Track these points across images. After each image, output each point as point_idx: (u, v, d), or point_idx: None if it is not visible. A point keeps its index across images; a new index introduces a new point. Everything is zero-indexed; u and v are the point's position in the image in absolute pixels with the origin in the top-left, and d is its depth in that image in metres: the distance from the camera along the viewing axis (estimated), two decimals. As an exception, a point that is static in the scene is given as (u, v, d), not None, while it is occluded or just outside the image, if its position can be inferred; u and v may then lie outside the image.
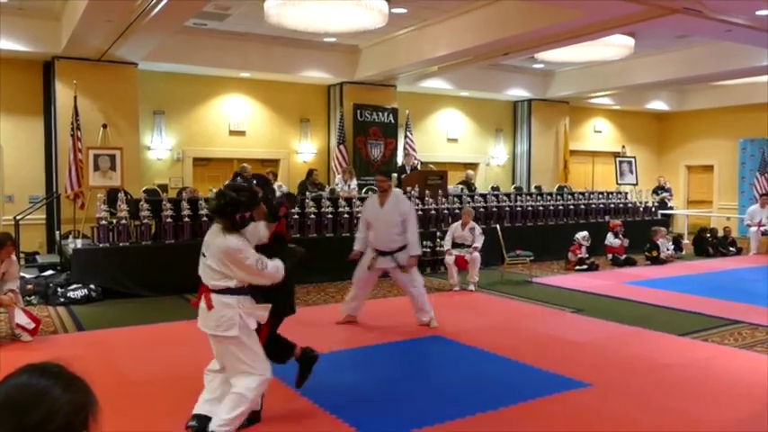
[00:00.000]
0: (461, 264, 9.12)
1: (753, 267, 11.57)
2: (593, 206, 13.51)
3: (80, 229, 10.39)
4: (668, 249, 12.34)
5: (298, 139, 13.87)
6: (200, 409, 3.87)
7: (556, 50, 11.15)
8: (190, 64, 11.85)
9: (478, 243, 9.18)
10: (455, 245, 9.27)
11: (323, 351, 5.86)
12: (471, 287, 9.03)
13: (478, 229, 9.36)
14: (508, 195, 12.60)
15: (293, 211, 9.77)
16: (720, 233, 14.00)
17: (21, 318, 6.17)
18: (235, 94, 13.18)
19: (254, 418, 4.02)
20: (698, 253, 13.27)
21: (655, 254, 11.96)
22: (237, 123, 13.21)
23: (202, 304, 3.79)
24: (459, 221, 9.46)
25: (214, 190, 10.55)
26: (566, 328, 6.89)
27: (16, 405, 1.22)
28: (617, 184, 16.70)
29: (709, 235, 13.66)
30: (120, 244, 8.68)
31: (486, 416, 4.31)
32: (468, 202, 11.72)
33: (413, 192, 11.14)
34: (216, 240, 3.78)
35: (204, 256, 3.81)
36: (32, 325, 6.20)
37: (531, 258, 10.46)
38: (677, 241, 13.18)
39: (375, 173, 12.30)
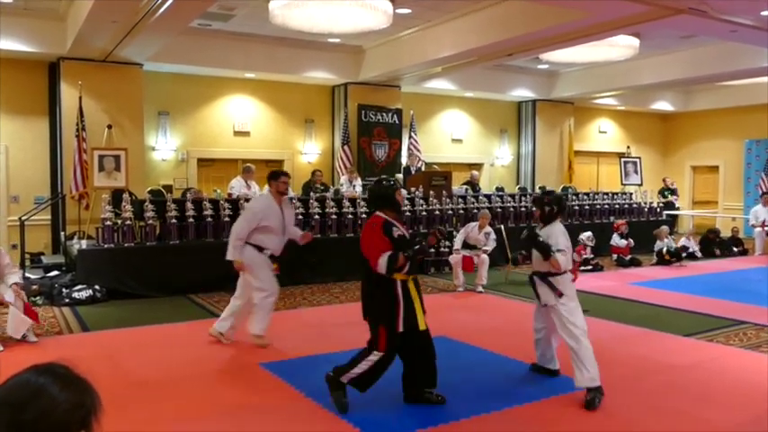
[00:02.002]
0: (468, 266, 9.10)
1: (758, 268, 11.53)
2: (598, 207, 13.48)
3: (85, 229, 10.41)
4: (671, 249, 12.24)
5: (302, 140, 13.88)
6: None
7: (560, 51, 11.13)
8: (194, 65, 11.87)
9: (490, 247, 9.20)
10: (466, 246, 9.25)
11: (328, 351, 5.87)
12: (480, 289, 9.02)
13: (493, 235, 9.35)
14: (513, 196, 12.59)
15: (297, 212, 9.78)
16: (728, 234, 13.94)
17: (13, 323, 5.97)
18: (239, 94, 13.19)
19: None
20: (704, 254, 13.22)
21: (667, 257, 11.78)
22: (242, 124, 13.22)
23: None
24: (475, 223, 9.41)
25: (219, 191, 10.67)
26: (570, 329, 6.86)
27: (14, 401, 1.25)
28: (622, 184, 16.66)
29: (713, 235, 13.58)
30: (125, 245, 8.70)
31: (491, 416, 4.31)
32: (473, 203, 11.72)
33: (417, 193, 11.14)
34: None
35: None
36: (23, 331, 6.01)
37: (536, 259, 10.42)
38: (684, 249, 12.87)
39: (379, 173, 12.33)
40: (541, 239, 4.73)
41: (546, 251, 4.68)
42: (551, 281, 4.73)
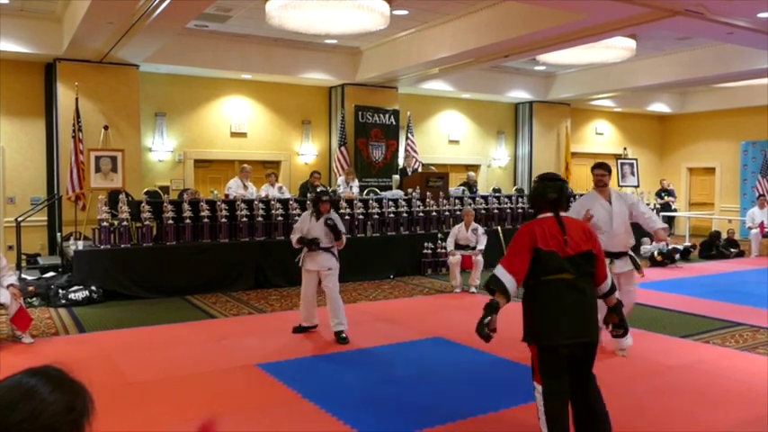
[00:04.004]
0: (468, 264, 9.16)
1: (754, 270, 11.56)
2: (595, 208, 13.46)
3: (81, 230, 10.40)
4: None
5: (299, 141, 13.88)
6: None
7: (557, 52, 11.14)
8: (191, 66, 11.85)
9: (482, 245, 9.18)
10: (458, 246, 9.28)
11: (326, 353, 5.88)
12: (473, 289, 9.04)
13: (481, 230, 9.38)
14: (509, 197, 12.59)
15: (294, 213, 9.78)
16: (724, 235, 13.97)
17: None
18: (236, 95, 13.18)
19: None
20: (703, 256, 13.23)
21: (659, 259, 11.83)
22: (239, 125, 13.21)
23: None
24: (461, 223, 9.46)
25: (216, 192, 10.65)
26: (567, 331, 6.87)
27: (3, 401, 1.24)
28: (618, 186, 16.65)
29: (718, 240, 13.60)
30: (122, 246, 8.69)
31: (488, 417, 4.31)
32: (470, 204, 11.72)
33: (414, 193, 11.14)
34: None
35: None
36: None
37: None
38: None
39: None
40: (340, 228, 6.42)
41: (340, 234, 6.37)
42: (333, 251, 6.46)
